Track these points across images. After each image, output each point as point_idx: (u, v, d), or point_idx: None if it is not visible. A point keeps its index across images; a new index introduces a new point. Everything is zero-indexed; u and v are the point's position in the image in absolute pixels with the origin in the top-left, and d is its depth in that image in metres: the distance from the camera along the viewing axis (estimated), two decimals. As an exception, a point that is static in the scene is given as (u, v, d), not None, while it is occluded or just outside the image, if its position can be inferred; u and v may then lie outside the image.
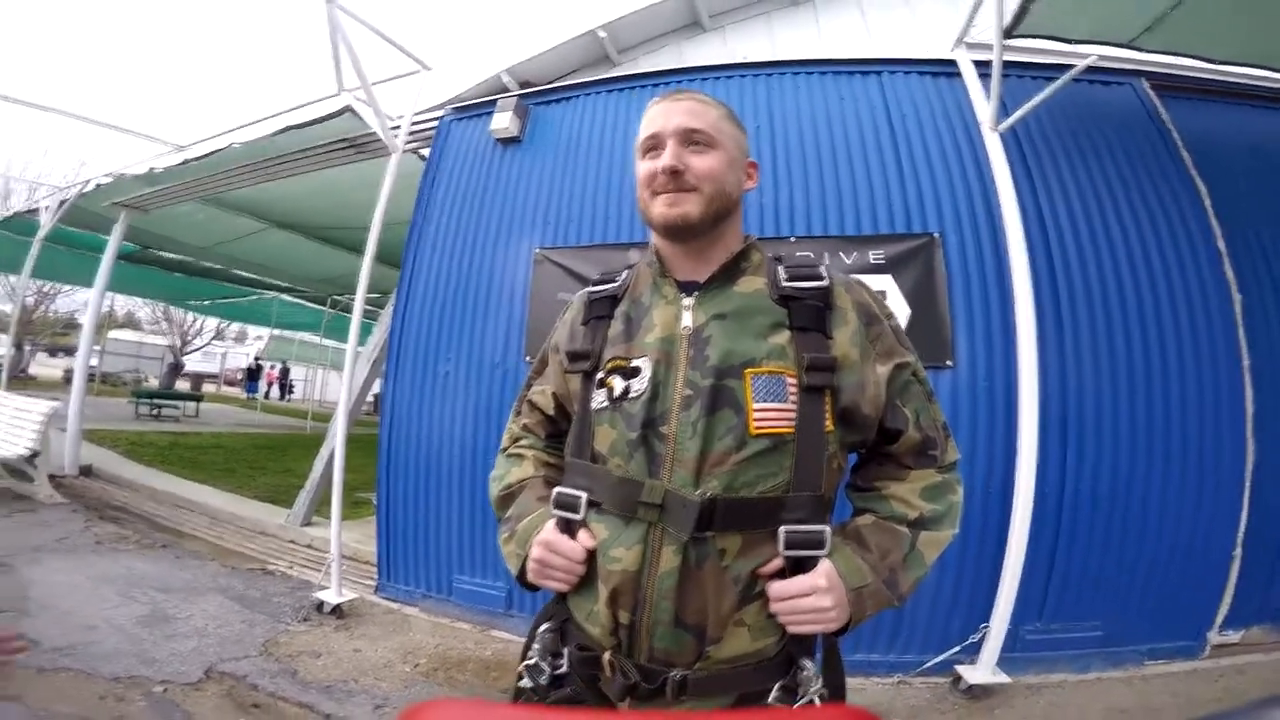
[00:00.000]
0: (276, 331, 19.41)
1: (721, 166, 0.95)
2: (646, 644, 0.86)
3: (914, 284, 3.33)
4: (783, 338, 0.90)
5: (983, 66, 3.37)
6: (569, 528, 0.93)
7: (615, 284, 1.04)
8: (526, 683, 0.92)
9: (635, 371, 0.92)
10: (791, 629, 0.85)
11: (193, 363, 28.06)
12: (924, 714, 2.75)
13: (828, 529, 0.86)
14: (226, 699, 2.54)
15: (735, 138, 0.99)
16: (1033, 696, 2.83)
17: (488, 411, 3.81)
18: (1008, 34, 3.13)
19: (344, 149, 5.13)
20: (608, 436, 0.92)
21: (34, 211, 7.91)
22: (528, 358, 3.75)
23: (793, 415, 0.86)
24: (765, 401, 0.86)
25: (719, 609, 0.84)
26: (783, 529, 0.84)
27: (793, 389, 0.87)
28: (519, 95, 4.45)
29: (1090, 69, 3.20)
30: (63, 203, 7.37)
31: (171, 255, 9.93)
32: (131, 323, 30.88)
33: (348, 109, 4.37)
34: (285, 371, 26.62)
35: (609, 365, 0.95)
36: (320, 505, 5.18)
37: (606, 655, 0.88)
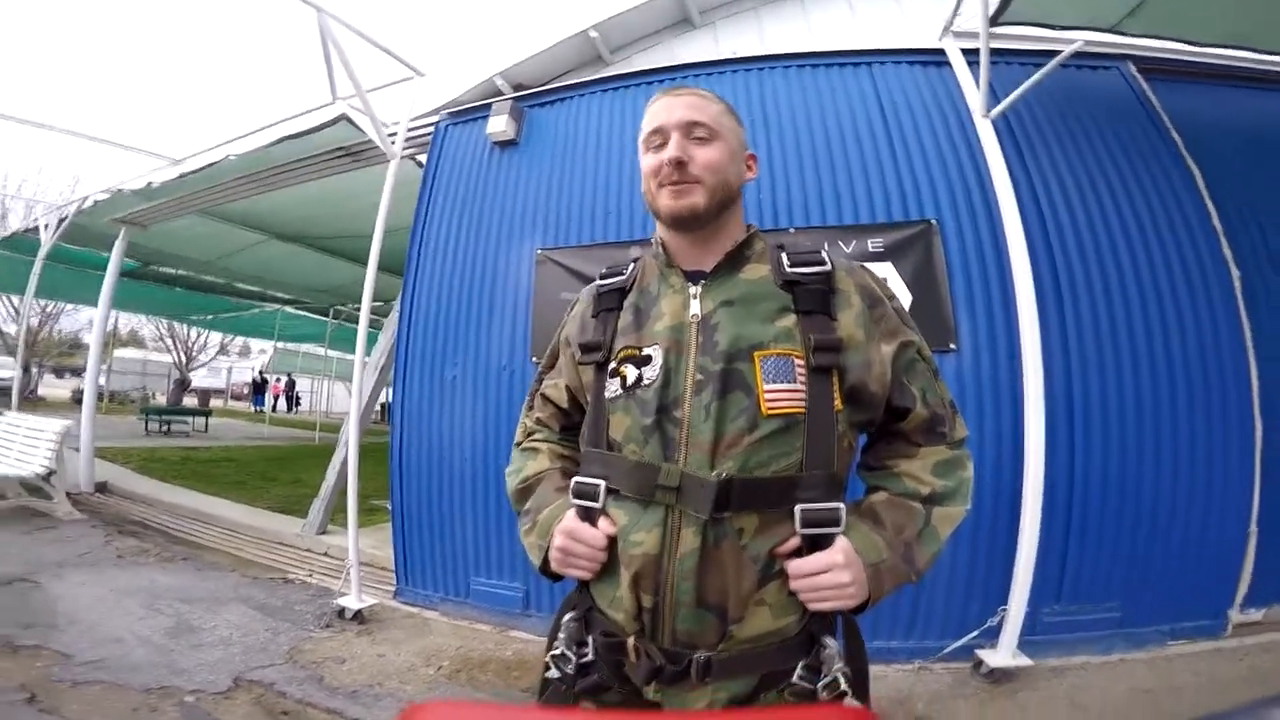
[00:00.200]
0: (280, 344, 19.45)
1: (724, 158, 0.98)
2: (670, 626, 0.88)
3: (914, 270, 3.36)
4: (789, 321, 0.93)
5: (971, 55, 3.41)
6: (589, 516, 0.95)
7: (623, 276, 1.07)
8: (553, 673, 0.94)
9: (647, 359, 0.95)
10: (812, 606, 0.87)
11: (199, 378, 28.13)
12: (946, 699, 2.75)
13: (843, 506, 0.88)
14: (257, 706, 2.57)
15: (735, 130, 1.02)
16: (1055, 679, 2.84)
17: (496, 414, 3.85)
18: (993, 21, 3.16)
19: (340, 158, 5.16)
20: (622, 424, 0.95)
21: (33, 230, 7.91)
22: (534, 359, 3.78)
23: (802, 395, 0.89)
24: (775, 383, 0.89)
25: (739, 588, 0.86)
26: (798, 507, 0.86)
27: (801, 370, 0.90)
28: (514, 98, 4.48)
29: (1077, 54, 3.22)
30: (62, 220, 7.39)
31: (173, 270, 9.97)
32: (135, 340, 31.01)
33: (343, 117, 4.40)
34: (291, 384, 26.69)
35: (621, 355, 0.98)
36: (335, 514, 5.23)
37: (631, 640, 0.90)
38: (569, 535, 0.95)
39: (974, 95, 3.36)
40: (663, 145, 0.98)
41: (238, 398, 30.86)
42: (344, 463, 4.73)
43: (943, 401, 1.00)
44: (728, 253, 0.99)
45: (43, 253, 7.62)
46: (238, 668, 2.88)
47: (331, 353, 17.97)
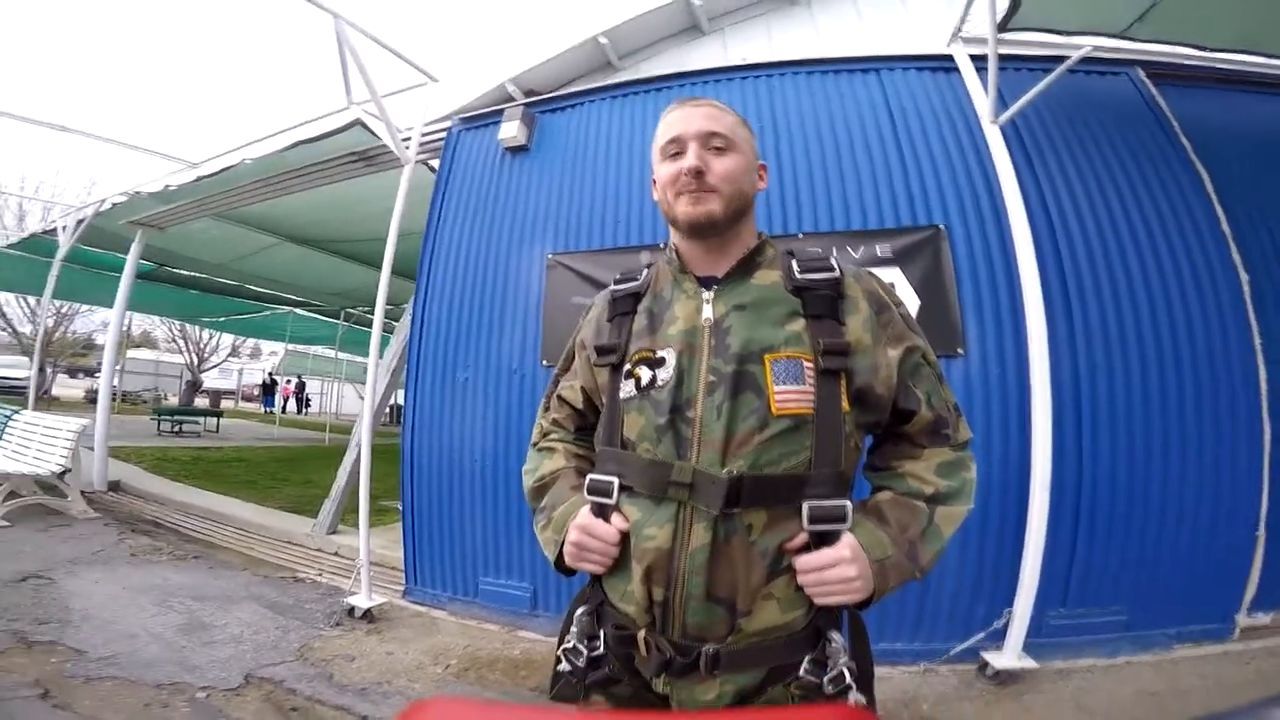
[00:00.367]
0: (291, 346, 19.58)
1: (740, 168, 1.01)
2: (680, 619, 0.91)
3: (922, 275, 3.37)
4: (799, 325, 0.95)
5: (979, 60, 3.43)
6: (603, 512, 0.98)
7: (637, 282, 1.09)
8: (565, 666, 0.97)
9: (661, 362, 0.98)
10: (819, 600, 0.89)
11: (210, 379, 28.35)
12: (951, 701, 2.76)
13: (849, 503, 0.91)
14: (267, 703, 2.59)
15: (749, 141, 1.05)
16: (1061, 681, 2.83)
17: (506, 416, 3.88)
18: (1001, 28, 3.18)
19: (354, 162, 5.21)
20: (636, 423, 0.97)
21: (51, 232, 8.01)
22: (544, 362, 3.81)
23: (811, 397, 0.91)
24: (785, 384, 0.91)
25: (748, 582, 0.89)
26: (806, 504, 0.89)
27: (810, 372, 0.92)
28: (525, 104, 4.52)
29: (1086, 60, 3.23)
30: (80, 222, 7.47)
31: (187, 272, 10.07)
32: (148, 342, 31.29)
33: (357, 122, 4.44)
34: (301, 386, 26.86)
35: (636, 357, 1.01)
36: (345, 514, 5.27)
37: (642, 633, 0.93)
38: (583, 530, 0.98)
39: (982, 101, 3.37)
40: (680, 154, 1.00)
41: (248, 399, 31.08)
42: (355, 463, 4.78)
43: (947, 405, 1.02)
44: (740, 259, 1.02)
45: (61, 254, 7.71)
46: (248, 665, 2.91)
47: (342, 355, 18.07)
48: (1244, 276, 3.29)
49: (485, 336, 4.07)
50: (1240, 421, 3.16)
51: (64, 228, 7.69)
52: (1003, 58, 3.27)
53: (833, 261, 1.01)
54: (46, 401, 14.22)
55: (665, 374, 0.97)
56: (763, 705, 0.92)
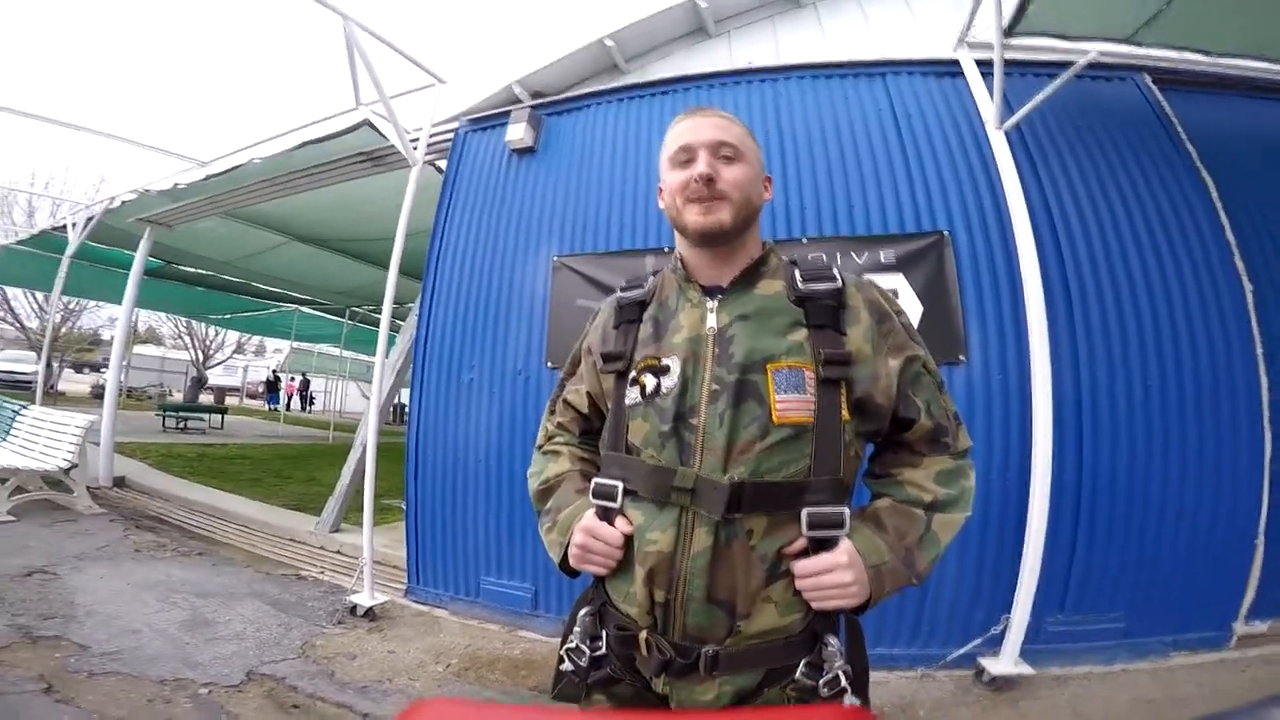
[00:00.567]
0: (296, 344, 19.64)
1: (748, 177, 1.02)
2: (681, 621, 0.92)
3: (925, 281, 3.37)
4: (801, 335, 0.97)
5: (985, 65, 3.42)
6: (607, 515, 1.00)
7: (643, 290, 1.11)
8: (567, 666, 0.99)
9: (665, 369, 0.99)
10: (816, 604, 0.91)
11: (215, 376, 28.44)
12: (947, 706, 2.76)
13: (847, 510, 0.92)
14: (268, 700, 2.61)
15: (756, 152, 1.07)
16: (1057, 687, 2.84)
17: (511, 417, 3.90)
18: (1008, 33, 3.17)
19: (362, 162, 5.23)
20: (641, 429, 0.99)
21: (61, 229, 8.05)
22: (549, 364, 3.83)
23: (812, 406, 0.93)
24: (786, 393, 0.93)
25: (748, 586, 0.91)
26: (805, 510, 0.90)
27: (811, 382, 0.94)
28: (532, 106, 4.54)
29: (1092, 65, 3.22)
30: (90, 219, 7.51)
31: (194, 270, 10.11)
32: (154, 338, 31.41)
33: (365, 123, 4.48)
34: (306, 383, 26.95)
35: (641, 365, 1.02)
36: (348, 512, 5.30)
37: (643, 634, 0.95)
38: (588, 533, 1.00)
39: (988, 106, 3.38)
40: (690, 162, 1.02)
41: (253, 396, 31.16)
42: (359, 461, 4.80)
43: (946, 414, 1.04)
44: (744, 269, 1.03)
45: (70, 250, 7.75)
46: (251, 662, 2.93)
47: (346, 353, 18.13)
48: (1248, 285, 3.28)
49: (490, 337, 4.09)
50: (1241, 431, 3.16)
51: (73, 224, 7.72)
52: (1008, 63, 3.27)
53: (835, 271, 1.03)
54: (53, 396, 14.29)
55: (670, 381, 0.98)
56: (759, 706, 0.94)
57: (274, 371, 25.63)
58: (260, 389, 27.96)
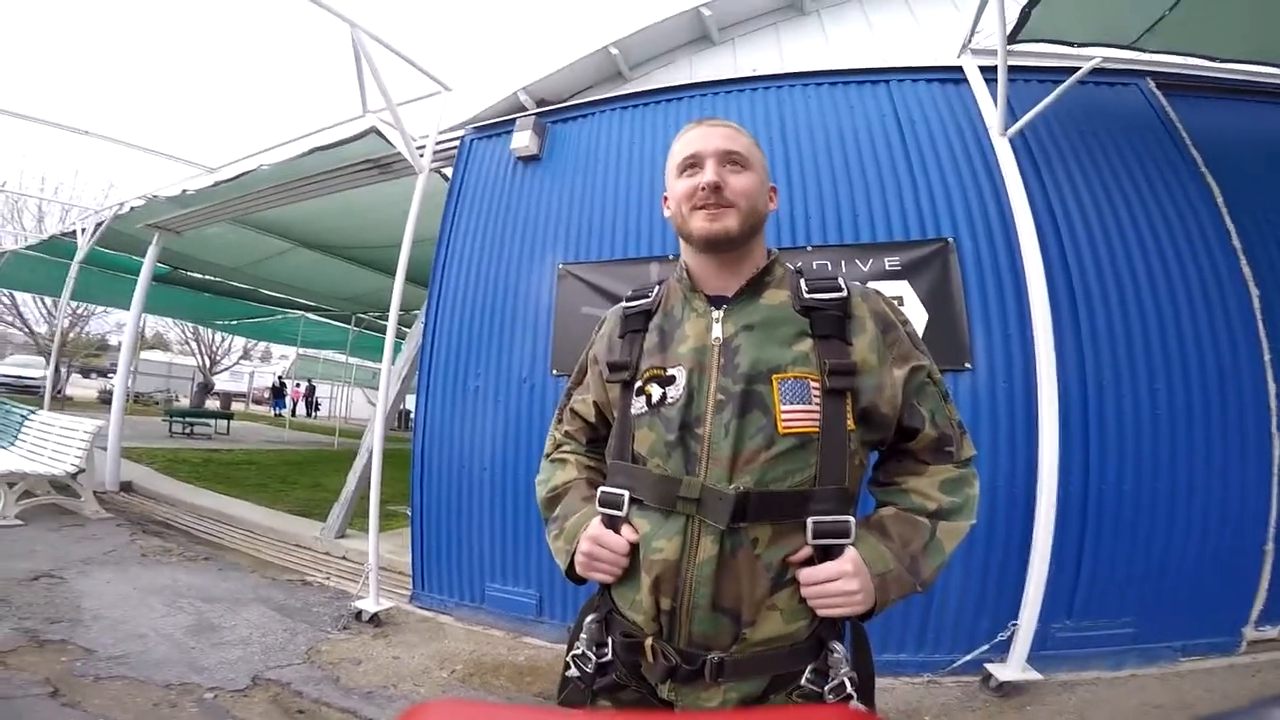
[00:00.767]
0: (302, 350, 19.71)
1: (755, 186, 1.03)
2: (686, 628, 0.93)
3: (930, 289, 3.37)
4: (806, 345, 0.97)
5: (989, 72, 3.43)
6: (613, 523, 1.01)
7: (648, 299, 1.12)
8: (573, 672, 0.99)
9: (671, 379, 1.00)
10: (821, 612, 0.91)
11: (221, 382, 28.52)
12: (954, 712, 2.76)
13: (852, 519, 0.93)
14: (273, 705, 2.62)
15: (762, 162, 1.08)
16: (1065, 693, 2.83)
17: (516, 425, 3.90)
18: (1011, 39, 3.19)
19: (369, 169, 5.27)
20: (647, 439, 1.00)
21: (70, 234, 8.12)
22: (554, 372, 3.83)
23: (817, 416, 0.94)
24: (792, 404, 0.94)
25: (753, 594, 0.91)
26: (810, 519, 0.91)
27: (816, 392, 0.94)
28: (537, 114, 4.57)
29: (1095, 71, 3.23)
30: (99, 225, 7.58)
31: (201, 276, 10.19)
32: (161, 343, 31.57)
33: (373, 130, 4.51)
34: (311, 389, 27.02)
35: (647, 374, 1.03)
36: (354, 518, 5.31)
37: (648, 641, 0.95)
38: (594, 541, 1.00)
39: (992, 113, 3.39)
40: (697, 171, 1.03)
41: (259, 402, 31.21)
42: (365, 467, 4.81)
43: (951, 422, 1.04)
44: (750, 279, 1.04)
45: (80, 256, 7.81)
46: (256, 667, 2.93)
47: (352, 360, 18.18)
48: (1254, 291, 3.27)
49: (496, 345, 4.10)
50: (1249, 436, 3.15)
51: (83, 230, 7.79)
52: (1012, 69, 3.28)
53: (840, 281, 1.03)
54: (61, 401, 14.36)
55: (675, 391, 0.99)
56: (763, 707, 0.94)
57: (280, 377, 25.69)
58: (266, 395, 28.02)
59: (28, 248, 9.38)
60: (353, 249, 8.30)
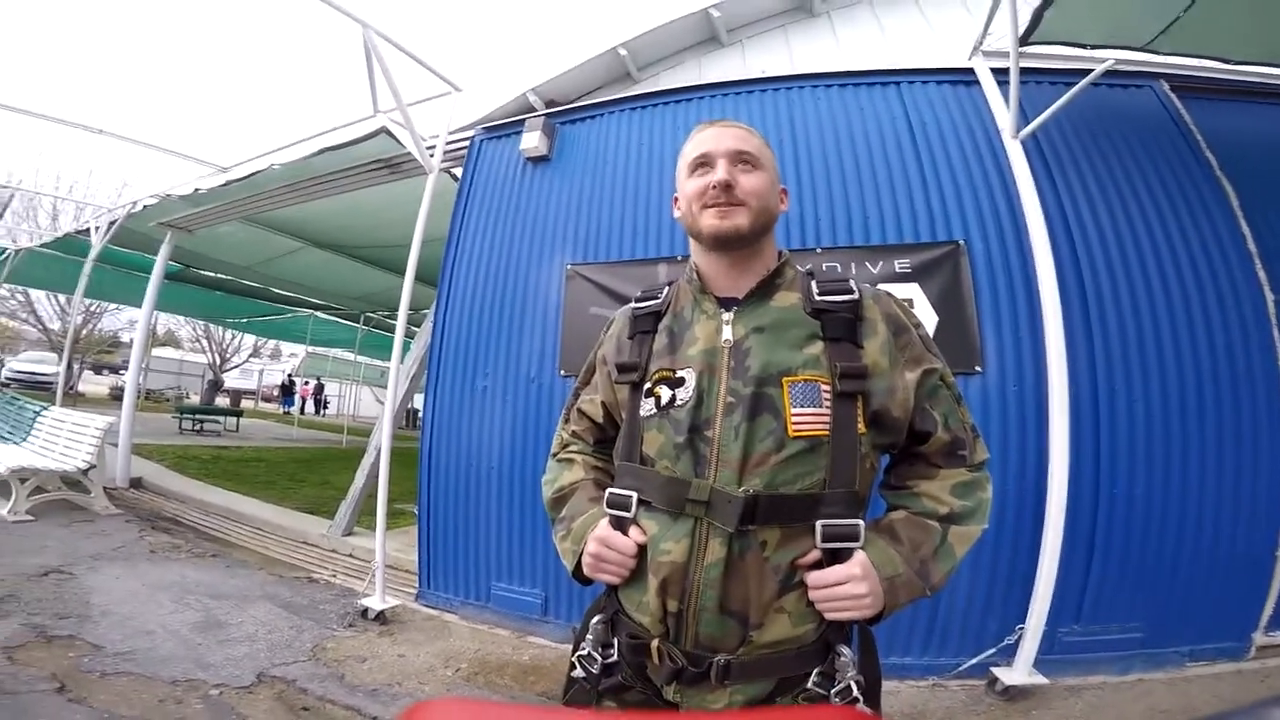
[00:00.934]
0: (311, 348, 19.81)
1: (766, 186, 1.03)
2: (693, 630, 0.92)
3: (941, 291, 3.35)
4: (817, 348, 0.97)
5: (1001, 74, 3.41)
6: (621, 525, 1.00)
7: (658, 301, 1.11)
8: (579, 672, 0.99)
9: (680, 381, 0.99)
10: (829, 615, 0.90)
11: (231, 379, 28.74)
12: (959, 716, 2.75)
13: (861, 523, 0.92)
14: (278, 702, 2.62)
15: (773, 164, 1.07)
16: (1071, 698, 2.81)
17: (524, 424, 3.91)
18: (1023, 41, 3.17)
19: (379, 169, 5.29)
20: (656, 441, 0.99)
21: (84, 232, 8.19)
22: (562, 372, 3.84)
23: (827, 419, 0.93)
24: (802, 407, 0.93)
25: (761, 597, 0.91)
26: (820, 523, 0.90)
27: (827, 395, 0.93)
28: (546, 114, 4.57)
29: (1109, 73, 3.21)
30: (112, 223, 7.63)
31: (213, 274, 10.26)
32: (172, 341, 31.83)
33: (383, 130, 4.53)
34: (320, 387, 27.18)
35: (656, 376, 1.02)
36: (361, 516, 5.33)
37: (655, 643, 0.95)
38: (602, 542, 1.00)
39: (1003, 115, 3.36)
40: (708, 170, 1.02)
41: (268, 400, 31.47)
42: (373, 465, 4.83)
43: (964, 426, 1.03)
44: (760, 280, 1.03)
45: (93, 254, 7.88)
46: (262, 664, 2.94)
47: (361, 358, 18.26)
48: (1269, 295, 3.24)
49: (504, 344, 4.11)
50: (1262, 441, 3.11)
51: (96, 228, 7.85)
52: (1024, 71, 3.26)
53: (852, 283, 1.03)
54: (73, 397, 14.49)
55: (685, 394, 0.98)
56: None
57: (289, 375, 25.86)
58: (275, 393, 28.21)
59: (42, 245, 9.47)
60: (362, 248, 8.33)
